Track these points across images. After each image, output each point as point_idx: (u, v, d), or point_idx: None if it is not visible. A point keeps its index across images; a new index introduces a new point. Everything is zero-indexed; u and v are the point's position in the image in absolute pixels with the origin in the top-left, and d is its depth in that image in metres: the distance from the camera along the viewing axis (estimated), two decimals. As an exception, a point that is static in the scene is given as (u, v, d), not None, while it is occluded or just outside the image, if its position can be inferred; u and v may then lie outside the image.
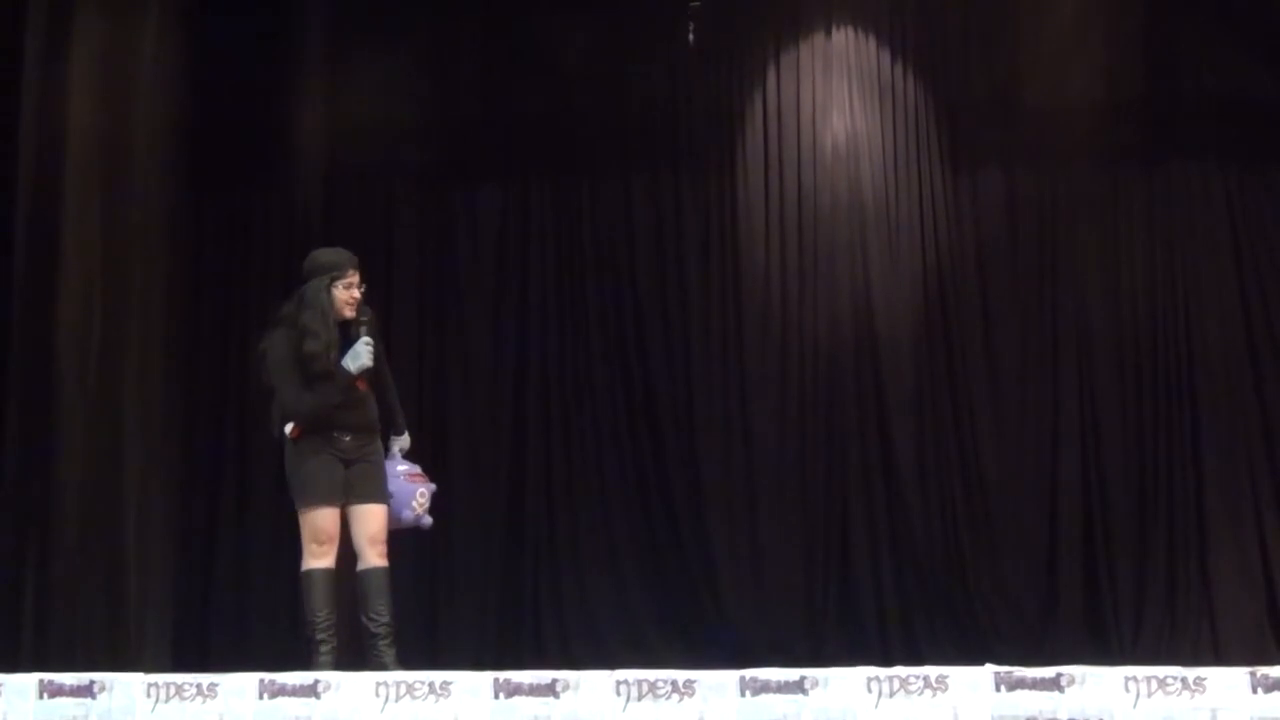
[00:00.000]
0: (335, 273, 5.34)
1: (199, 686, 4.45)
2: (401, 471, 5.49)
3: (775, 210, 7.59)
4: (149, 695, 4.44)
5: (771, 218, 7.58)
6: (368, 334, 5.30)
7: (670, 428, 7.50)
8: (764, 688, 4.29)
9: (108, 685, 4.47)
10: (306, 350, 5.21)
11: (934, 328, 7.47)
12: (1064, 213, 7.50)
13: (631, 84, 7.59)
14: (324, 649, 5.21)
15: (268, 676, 4.45)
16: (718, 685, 4.29)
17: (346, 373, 5.26)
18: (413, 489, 5.48)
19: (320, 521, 5.25)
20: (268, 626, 7.25)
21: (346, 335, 5.29)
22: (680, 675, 4.32)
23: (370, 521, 5.31)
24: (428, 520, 5.56)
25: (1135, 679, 4.16)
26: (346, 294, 5.33)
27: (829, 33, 7.63)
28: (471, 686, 4.36)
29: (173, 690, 4.45)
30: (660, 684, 4.31)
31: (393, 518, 5.41)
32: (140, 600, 6.73)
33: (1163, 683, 4.15)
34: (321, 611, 5.24)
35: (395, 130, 7.57)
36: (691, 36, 7.35)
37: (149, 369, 6.92)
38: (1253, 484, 7.24)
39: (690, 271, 7.59)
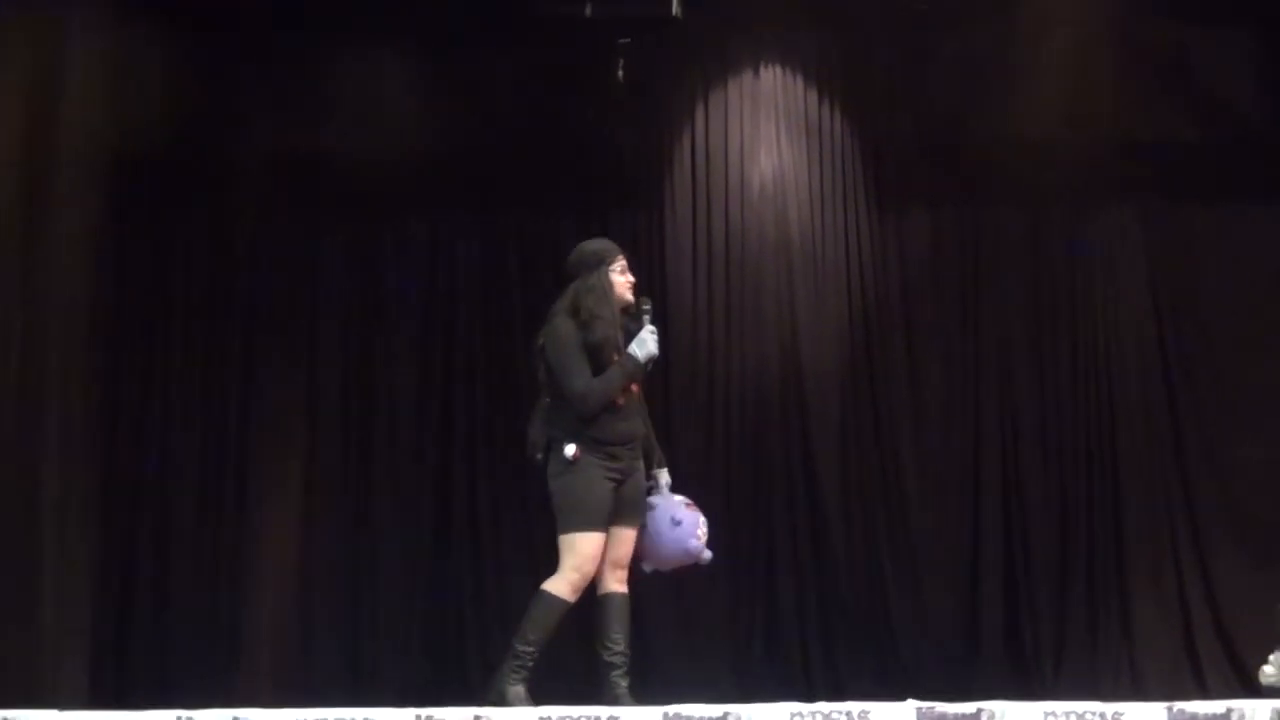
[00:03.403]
0: (609, 259, 5.21)
1: (116, 724, 4.40)
2: (680, 501, 5.31)
3: (703, 248, 7.63)
4: (63, 732, 4.39)
5: (699, 255, 7.62)
6: (651, 322, 5.14)
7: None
8: (688, 723, 4.29)
9: (21, 723, 4.41)
10: (596, 336, 5.04)
11: (859, 365, 7.53)
12: (986, 252, 7.60)
13: (559, 121, 7.61)
14: (521, 675, 5.05)
15: (185, 714, 4.40)
16: (641, 721, 4.29)
17: (635, 362, 5.09)
18: (696, 518, 5.27)
19: (593, 548, 5.05)
20: (187, 663, 7.17)
21: (628, 332, 5.14)
22: (604, 711, 4.32)
23: (621, 545, 5.15)
24: (709, 554, 5.34)
25: (1055, 714, 4.20)
26: (624, 279, 5.19)
27: (757, 72, 7.70)
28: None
29: (88, 727, 4.40)
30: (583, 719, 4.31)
31: (681, 550, 5.22)
32: (56, 635, 6.62)
33: (1081, 717, 4.19)
34: (542, 643, 5.07)
35: (322, 160, 7.54)
36: (620, 74, 7.40)
37: (69, 399, 6.82)
38: (1170, 520, 7.35)
39: (617, 308, 7.60)
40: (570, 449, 5.08)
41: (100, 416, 7.18)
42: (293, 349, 7.58)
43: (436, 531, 7.48)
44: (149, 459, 7.44)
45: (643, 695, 5.50)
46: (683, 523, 5.23)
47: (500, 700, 5.01)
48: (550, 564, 7.24)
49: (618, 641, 5.15)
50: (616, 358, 5.15)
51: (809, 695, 6.82)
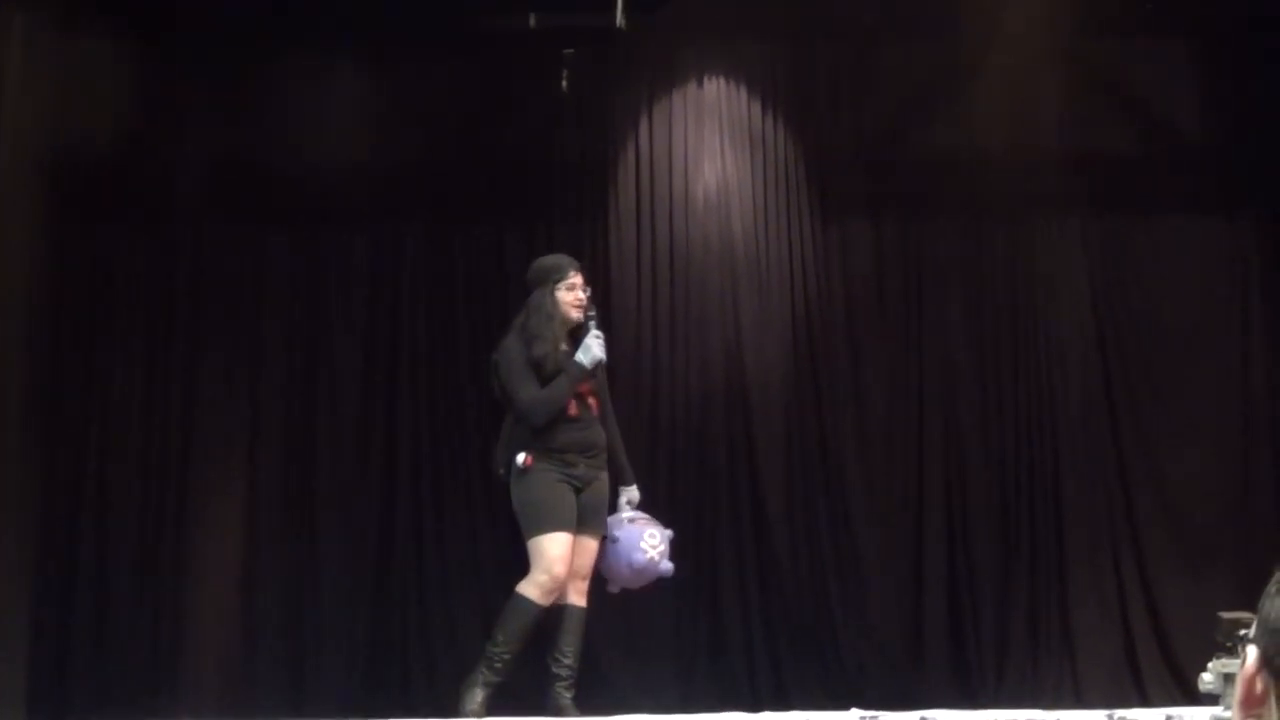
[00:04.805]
0: (557, 275, 5.37)
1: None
2: (626, 518, 5.34)
3: (647, 258, 7.63)
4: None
5: (644, 266, 7.63)
6: (597, 328, 5.30)
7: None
8: (632, 735, 4.29)
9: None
10: (535, 354, 5.19)
11: (803, 373, 7.55)
12: (929, 263, 7.65)
13: (504, 131, 7.60)
14: (488, 677, 5.07)
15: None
16: (586, 733, 4.29)
17: (581, 368, 5.21)
18: (639, 531, 5.31)
19: (559, 549, 5.11)
20: (127, 680, 7.08)
21: (576, 339, 5.26)
22: (548, 723, 4.32)
23: (581, 554, 5.21)
24: (668, 565, 5.39)
25: (997, 722, 4.24)
26: (570, 295, 5.34)
27: (701, 83, 7.71)
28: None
29: (25, 744, 4.34)
30: (528, 732, 4.30)
31: (626, 565, 5.26)
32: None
33: (1023, 726, 4.23)
34: (512, 644, 5.09)
35: (266, 170, 7.49)
36: (565, 84, 7.40)
37: (5, 407, 6.74)
38: (1111, 529, 7.41)
39: (562, 319, 7.58)
40: (520, 457, 5.16)
41: (37, 426, 7.08)
42: (235, 358, 7.51)
43: (380, 544, 7.42)
44: (85, 473, 7.34)
45: (587, 706, 5.50)
46: (619, 540, 5.27)
47: (463, 693, 5.06)
48: (496, 577, 7.29)
49: (567, 654, 5.16)
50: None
51: (754, 705, 6.84)
